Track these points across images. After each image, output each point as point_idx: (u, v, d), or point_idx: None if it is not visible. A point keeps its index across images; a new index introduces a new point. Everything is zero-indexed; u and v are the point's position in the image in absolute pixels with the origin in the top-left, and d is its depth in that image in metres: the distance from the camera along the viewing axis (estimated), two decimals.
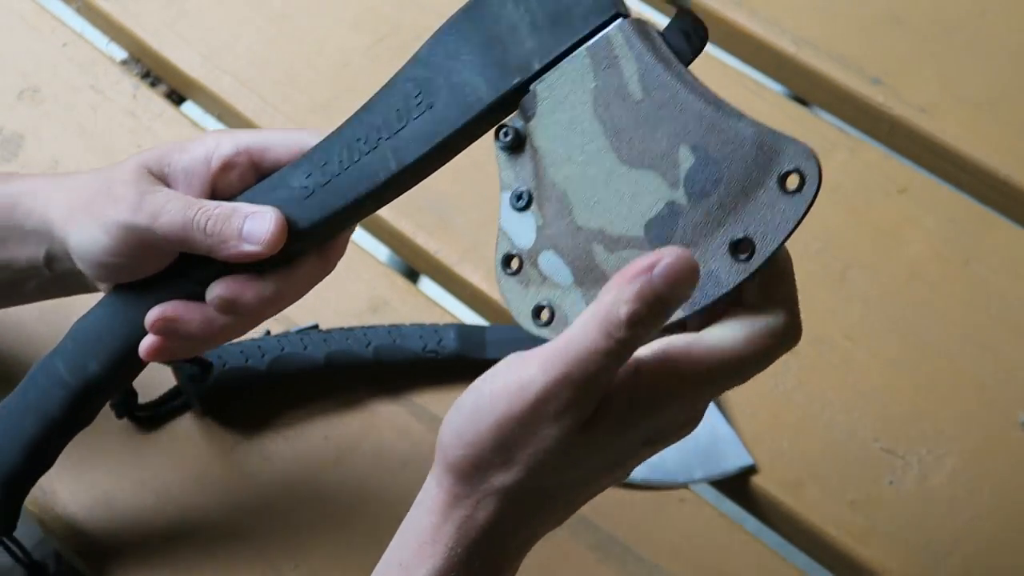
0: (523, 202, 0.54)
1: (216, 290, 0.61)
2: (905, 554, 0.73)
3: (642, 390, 0.50)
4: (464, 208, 0.87)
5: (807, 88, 0.96)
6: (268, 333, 0.78)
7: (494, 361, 0.78)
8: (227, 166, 0.62)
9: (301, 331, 0.78)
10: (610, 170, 0.52)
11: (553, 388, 0.47)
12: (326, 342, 0.76)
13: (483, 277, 0.84)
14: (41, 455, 0.67)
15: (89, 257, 0.61)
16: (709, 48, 1.01)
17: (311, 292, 0.83)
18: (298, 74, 0.94)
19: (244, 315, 0.62)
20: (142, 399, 0.76)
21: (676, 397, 0.51)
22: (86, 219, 0.61)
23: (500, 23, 0.54)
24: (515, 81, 0.54)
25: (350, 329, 0.77)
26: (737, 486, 0.77)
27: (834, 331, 0.81)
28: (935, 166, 0.91)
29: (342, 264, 0.84)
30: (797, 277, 0.82)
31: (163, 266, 0.62)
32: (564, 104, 0.53)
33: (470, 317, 0.86)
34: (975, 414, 0.78)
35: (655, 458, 0.76)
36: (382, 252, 0.92)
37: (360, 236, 0.89)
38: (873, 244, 0.85)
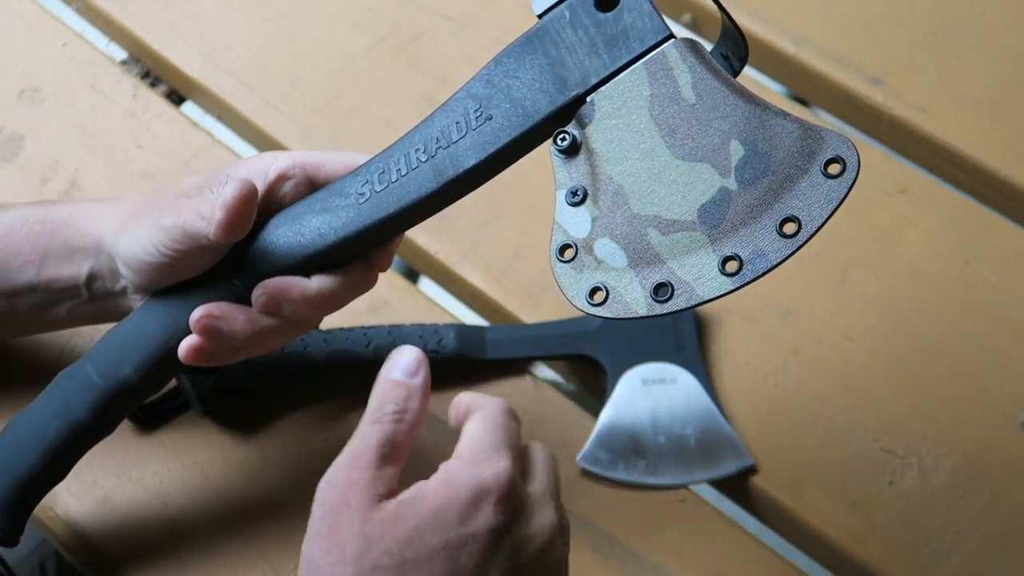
0: (578, 198, 0.60)
1: (262, 289, 0.62)
2: (905, 554, 0.73)
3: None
4: (464, 208, 0.86)
5: (807, 88, 0.96)
6: None
7: (494, 361, 0.79)
8: (282, 176, 0.65)
9: None
10: (665, 164, 0.59)
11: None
12: (326, 342, 0.76)
13: (483, 277, 0.84)
14: (60, 460, 0.66)
15: (136, 257, 0.63)
16: (709, 47, 1.01)
17: None
18: (298, 74, 0.94)
19: (287, 317, 0.63)
20: None
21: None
22: (135, 224, 0.63)
23: (560, 46, 0.62)
24: (573, 94, 0.61)
25: (350, 329, 0.77)
26: (737, 486, 0.77)
27: (834, 331, 0.81)
28: (935, 166, 0.91)
29: None
30: (798, 277, 0.83)
31: (202, 268, 0.64)
32: (621, 110, 0.60)
33: (470, 317, 0.86)
34: (975, 414, 0.78)
35: (655, 459, 0.77)
36: None
37: None
38: (873, 244, 0.85)
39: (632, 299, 0.59)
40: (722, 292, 0.57)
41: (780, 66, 0.96)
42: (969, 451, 0.77)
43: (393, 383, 0.60)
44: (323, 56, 0.95)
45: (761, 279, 0.57)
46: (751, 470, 0.76)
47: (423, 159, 0.63)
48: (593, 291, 0.59)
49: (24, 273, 0.67)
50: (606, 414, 0.77)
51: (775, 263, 0.57)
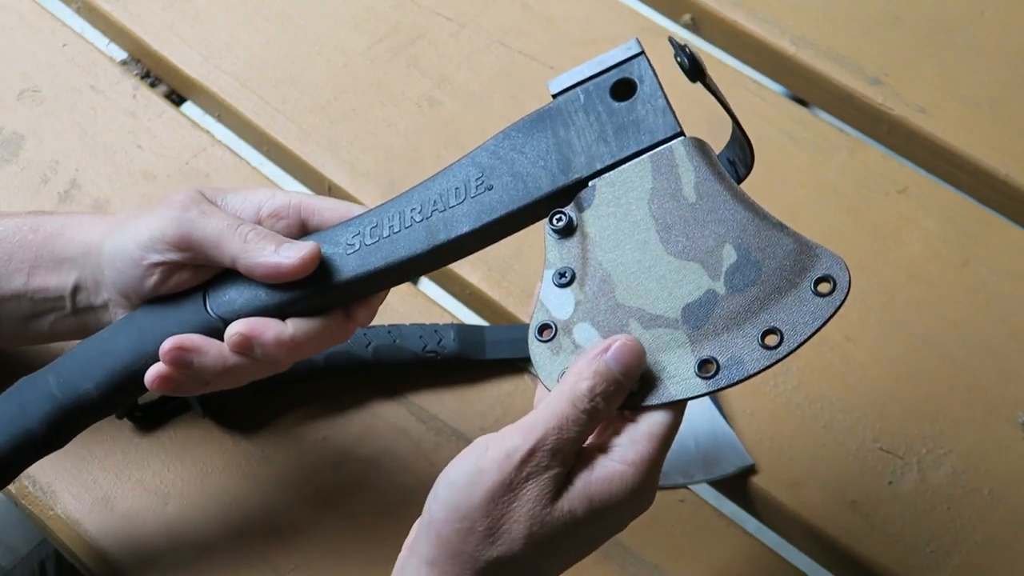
0: (566, 279, 0.60)
1: (236, 327, 0.62)
2: (905, 554, 0.73)
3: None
4: None
5: (807, 88, 0.96)
6: None
7: (494, 361, 0.79)
8: (275, 215, 0.65)
9: None
10: (657, 258, 0.59)
11: (534, 450, 0.54)
12: None
13: (483, 277, 0.84)
14: (6, 468, 0.65)
15: (121, 258, 0.63)
16: (709, 48, 1.02)
17: None
18: (298, 74, 0.94)
19: (258, 359, 0.63)
20: (142, 399, 0.76)
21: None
22: (127, 224, 0.64)
23: (570, 128, 0.63)
24: (576, 176, 0.61)
25: None
26: (737, 486, 0.77)
27: (834, 331, 0.81)
28: (934, 166, 0.91)
29: None
30: None
31: (189, 284, 0.64)
32: (621, 199, 0.60)
33: (470, 317, 0.86)
34: (975, 414, 0.78)
35: None
36: None
37: None
38: (873, 244, 0.85)
39: None
40: (693, 394, 0.57)
41: (780, 66, 0.96)
42: (969, 451, 0.77)
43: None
44: (323, 56, 0.95)
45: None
46: (751, 470, 0.76)
47: (417, 219, 0.63)
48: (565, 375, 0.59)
49: (13, 281, 0.67)
50: None
51: (751, 373, 0.57)
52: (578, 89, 0.64)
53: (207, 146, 0.90)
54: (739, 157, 0.64)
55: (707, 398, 0.77)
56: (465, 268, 0.84)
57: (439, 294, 0.87)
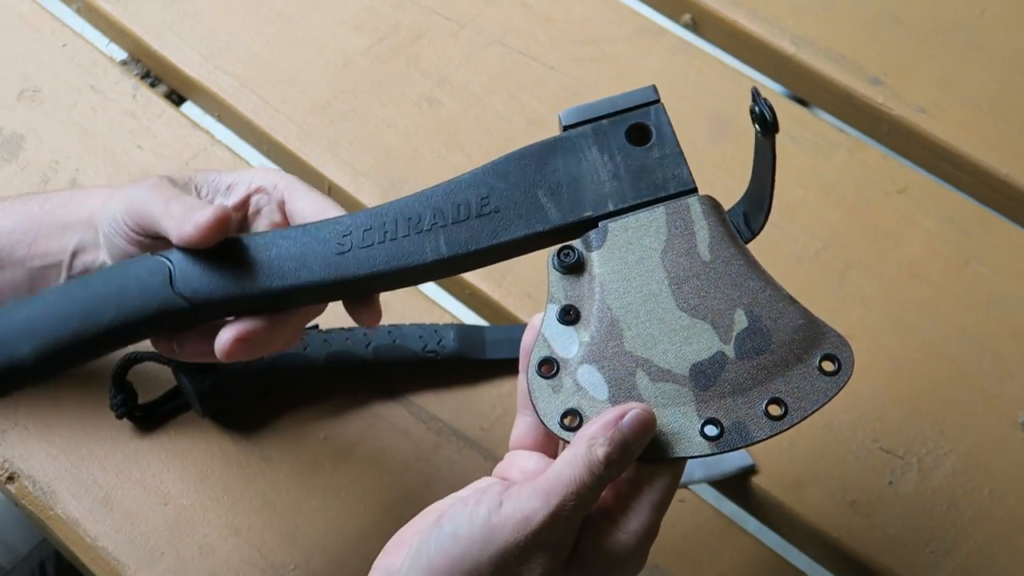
0: (570, 317, 0.60)
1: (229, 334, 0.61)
2: (905, 554, 0.73)
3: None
4: None
5: (807, 88, 0.96)
6: None
7: (493, 361, 0.79)
8: (262, 190, 0.65)
9: None
10: (667, 312, 0.59)
11: (554, 518, 0.53)
12: (326, 342, 0.76)
13: (483, 277, 0.84)
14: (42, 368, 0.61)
15: (108, 224, 0.64)
16: (709, 48, 1.02)
17: None
18: (298, 74, 0.94)
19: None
20: (142, 399, 0.76)
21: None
22: (116, 195, 0.65)
23: (581, 162, 0.62)
24: (587, 215, 0.61)
25: (350, 329, 0.77)
26: (737, 486, 0.77)
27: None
28: (934, 166, 0.91)
29: None
30: (797, 277, 0.83)
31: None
32: (634, 246, 0.60)
33: (470, 317, 0.86)
34: (975, 414, 0.78)
35: None
36: None
37: None
38: (873, 244, 0.85)
39: None
40: (696, 454, 0.58)
41: (780, 66, 0.96)
42: (969, 451, 0.77)
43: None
44: (323, 56, 0.95)
45: None
46: (751, 470, 0.76)
47: (416, 230, 0.62)
48: (567, 414, 0.58)
49: (15, 252, 0.67)
50: None
51: (754, 441, 0.57)
52: (591, 125, 0.63)
53: (207, 146, 0.90)
54: (753, 213, 0.62)
55: None
56: None
57: (439, 294, 0.87)
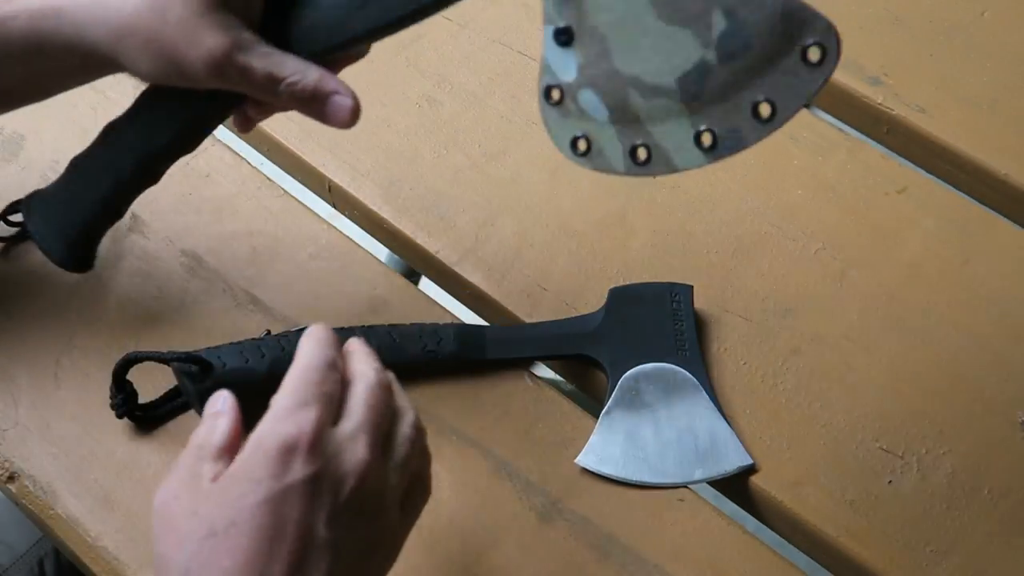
0: (565, 38, 0.60)
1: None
2: (905, 554, 0.73)
3: None
4: (464, 208, 0.87)
5: None
6: (268, 333, 0.78)
7: (494, 361, 0.79)
8: None
9: (301, 331, 0.78)
10: (649, 24, 0.58)
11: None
12: None
13: (483, 277, 0.84)
14: (112, 208, 0.75)
15: (148, 77, 0.69)
16: None
17: (310, 292, 0.83)
18: None
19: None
20: (142, 399, 0.76)
21: None
22: (148, 56, 0.67)
23: None
24: None
25: (350, 329, 0.77)
26: (737, 486, 0.77)
27: (834, 331, 0.81)
28: (934, 166, 0.91)
29: (342, 264, 0.84)
30: (797, 277, 0.83)
31: None
32: None
33: (470, 317, 0.86)
34: (975, 414, 0.78)
35: (655, 459, 0.76)
36: (382, 252, 0.92)
37: (360, 236, 0.89)
38: (873, 244, 0.85)
39: (612, 156, 0.61)
40: (696, 165, 0.59)
41: None
42: (969, 451, 0.77)
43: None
44: None
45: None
46: (751, 470, 0.76)
47: None
48: (575, 140, 0.61)
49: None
50: (606, 414, 0.77)
51: (748, 144, 0.58)
52: None
53: (207, 146, 0.90)
54: None
55: (707, 398, 0.77)
56: (465, 268, 0.85)
57: (439, 294, 0.87)
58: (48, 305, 0.81)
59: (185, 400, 0.77)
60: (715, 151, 0.59)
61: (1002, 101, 0.92)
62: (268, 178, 0.89)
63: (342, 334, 0.77)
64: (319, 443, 0.57)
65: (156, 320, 0.81)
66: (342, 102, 0.69)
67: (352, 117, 0.70)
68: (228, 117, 0.75)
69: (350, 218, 0.90)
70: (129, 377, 0.75)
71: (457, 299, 0.86)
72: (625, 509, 0.75)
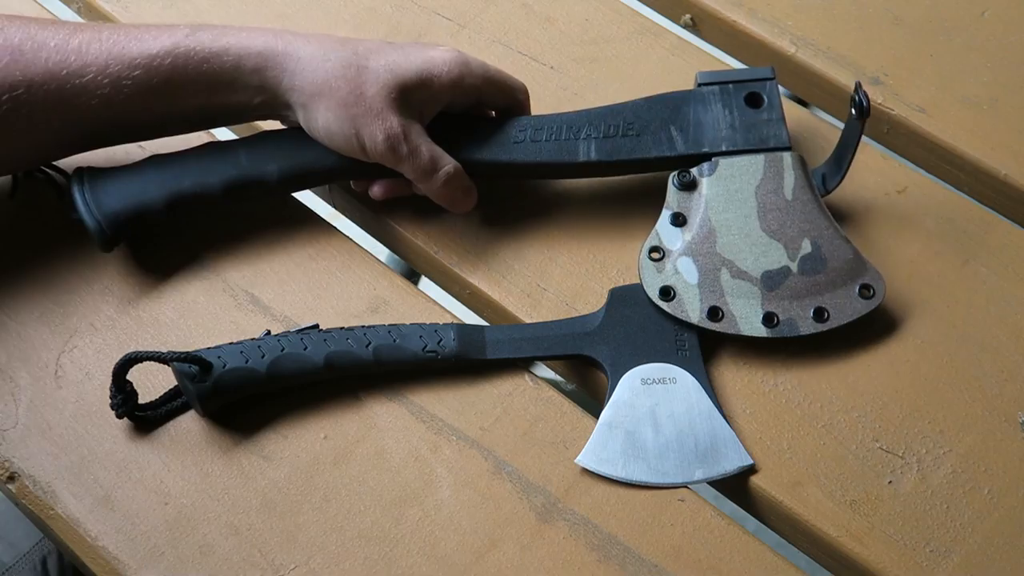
0: (679, 221, 0.81)
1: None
2: (905, 554, 0.73)
3: None
4: None
5: (807, 88, 0.96)
6: (268, 333, 0.78)
7: (494, 361, 0.79)
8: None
9: (301, 331, 0.78)
10: (752, 230, 0.80)
11: None
12: (326, 342, 0.76)
13: (482, 277, 0.84)
14: (173, 210, 0.80)
15: (323, 138, 0.79)
16: (709, 48, 1.02)
17: (310, 292, 0.83)
18: None
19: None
20: (142, 399, 0.76)
21: None
22: (336, 116, 0.78)
23: (707, 112, 0.83)
24: (704, 149, 0.82)
25: (350, 329, 0.77)
26: (737, 486, 0.77)
27: (834, 331, 0.81)
28: (934, 166, 0.91)
29: (342, 264, 0.84)
30: None
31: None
32: (736, 179, 0.81)
33: (470, 317, 0.86)
34: (975, 414, 0.78)
35: (655, 459, 0.76)
36: (382, 252, 0.92)
37: (360, 236, 0.89)
38: (873, 244, 0.85)
39: (691, 309, 0.78)
40: (756, 335, 0.78)
41: (780, 66, 0.96)
42: (969, 451, 0.77)
43: None
44: None
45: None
46: (751, 470, 0.76)
47: (572, 136, 0.82)
48: (666, 290, 0.79)
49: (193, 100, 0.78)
50: (606, 414, 0.77)
51: (801, 334, 0.78)
52: (720, 86, 0.83)
53: None
54: (831, 175, 0.84)
55: (707, 398, 0.77)
56: (465, 268, 0.85)
57: (439, 294, 0.87)
58: (48, 305, 0.81)
59: (185, 400, 0.77)
60: (774, 330, 0.78)
61: (1002, 101, 0.92)
62: None
63: (343, 334, 0.77)
64: None
65: (156, 320, 0.81)
66: (474, 198, 0.84)
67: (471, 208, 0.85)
68: (330, 183, 0.86)
69: (350, 218, 0.90)
70: (129, 377, 0.75)
71: (457, 299, 0.86)
72: (625, 509, 0.75)
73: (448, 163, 0.80)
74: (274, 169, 0.80)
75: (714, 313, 0.78)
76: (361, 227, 0.90)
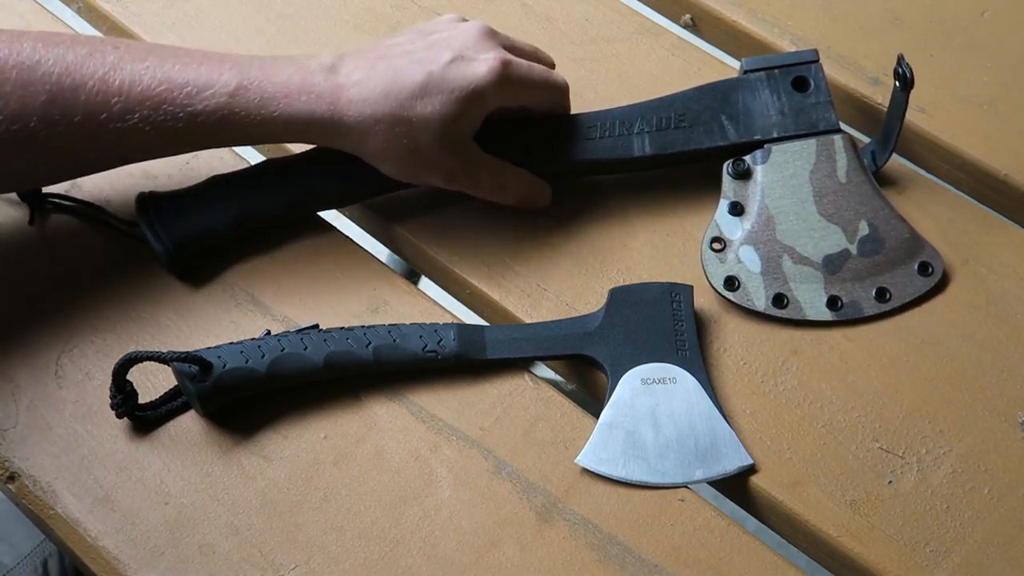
0: (737, 210, 0.82)
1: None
2: (905, 554, 0.73)
3: None
4: (464, 208, 0.87)
5: None
6: (268, 333, 0.78)
7: (494, 361, 0.79)
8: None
9: (301, 331, 0.78)
10: (810, 215, 0.81)
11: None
12: (326, 342, 0.76)
13: (483, 277, 0.84)
14: (238, 229, 0.82)
15: (375, 162, 0.80)
16: (709, 48, 1.02)
17: (310, 292, 0.83)
18: None
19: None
20: (142, 399, 0.77)
21: None
22: (394, 169, 0.80)
23: (756, 100, 0.83)
24: (756, 137, 0.83)
25: (350, 329, 0.78)
26: (737, 486, 0.77)
27: (834, 331, 0.81)
28: (934, 166, 0.91)
29: (342, 264, 0.84)
30: None
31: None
32: (790, 165, 0.82)
33: (470, 317, 0.86)
34: (975, 414, 0.78)
35: (655, 459, 0.76)
36: (382, 252, 0.92)
37: (360, 236, 0.89)
38: None
39: (756, 297, 0.80)
40: (821, 319, 0.79)
41: None
42: (969, 451, 0.77)
43: None
44: None
45: None
46: (751, 470, 0.76)
47: (626, 132, 0.83)
48: (729, 280, 0.80)
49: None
50: (606, 414, 0.77)
51: (865, 315, 0.80)
52: (766, 72, 0.84)
53: None
54: (880, 152, 0.85)
55: (707, 398, 0.77)
56: (465, 268, 0.85)
57: (439, 294, 0.87)
58: (48, 305, 0.81)
59: (185, 400, 0.77)
60: (838, 312, 0.79)
61: (1002, 101, 0.92)
62: None
63: (343, 334, 0.77)
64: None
65: (156, 320, 0.81)
66: (548, 193, 0.85)
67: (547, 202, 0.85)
68: (390, 192, 0.85)
69: (350, 218, 0.90)
70: (129, 377, 0.75)
71: (457, 299, 0.86)
72: (625, 509, 0.75)
73: (510, 175, 0.82)
74: (335, 185, 0.82)
75: (779, 300, 0.79)
76: (361, 227, 0.90)
